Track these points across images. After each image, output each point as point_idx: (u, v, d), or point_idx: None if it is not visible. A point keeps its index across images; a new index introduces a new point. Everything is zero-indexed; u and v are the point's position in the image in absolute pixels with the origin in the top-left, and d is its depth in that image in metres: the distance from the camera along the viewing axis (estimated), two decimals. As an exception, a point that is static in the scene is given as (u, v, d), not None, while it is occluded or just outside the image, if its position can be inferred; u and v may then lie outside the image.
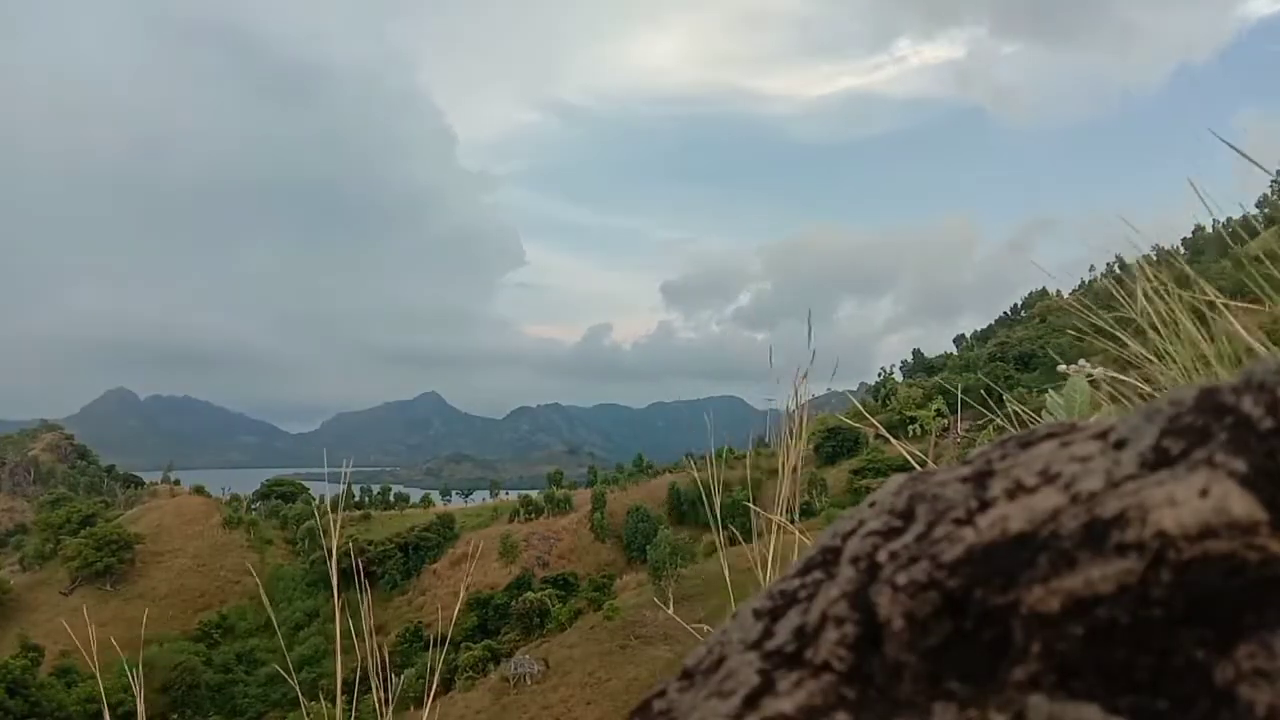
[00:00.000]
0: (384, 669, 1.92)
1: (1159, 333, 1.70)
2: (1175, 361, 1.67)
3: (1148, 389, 1.70)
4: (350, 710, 1.90)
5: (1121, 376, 1.74)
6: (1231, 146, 1.50)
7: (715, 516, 1.78)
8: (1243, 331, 1.52)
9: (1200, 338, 1.64)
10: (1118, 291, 1.88)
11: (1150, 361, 1.73)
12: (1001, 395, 2.05)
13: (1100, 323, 1.90)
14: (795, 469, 1.66)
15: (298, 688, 1.97)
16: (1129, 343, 1.80)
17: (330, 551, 1.85)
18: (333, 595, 1.86)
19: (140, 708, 1.94)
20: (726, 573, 1.84)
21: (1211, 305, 1.67)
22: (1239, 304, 1.68)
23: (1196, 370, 1.63)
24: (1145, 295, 1.72)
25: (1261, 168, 1.53)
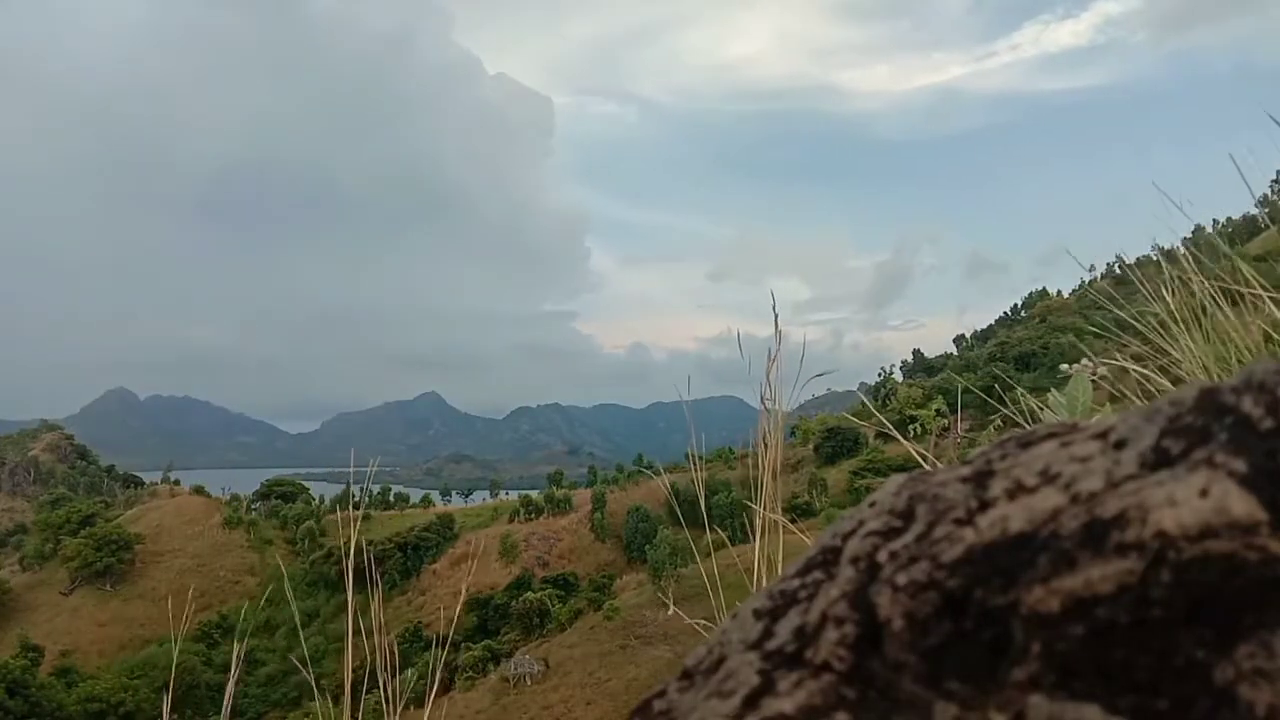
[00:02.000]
0: (392, 667, 1.92)
1: (1161, 331, 1.70)
2: (1175, 359, 1.67)
3: (1151, 386, 1.70)
4: (354, 710, 1.90)
5: (1131, 366, 1.74)
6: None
7: (706, 517, 1.78)
8: (1241, 329, 1.52)
9: (1199, 337, 1.64)
10: (1117, 291, 1.88)
11: (1151, 358, 1.73)
12: (1002, 395, 2.05)
13: (1102, 321, 1.90)
14: (775, 467, 1.65)
15: (312, 680, 1.98)
16: (1132, 341, 1.80)
17: (344, 547, 1.86)
18: (343, 592, 1.87)
19: (165, 707, 1.94)
20: (716, 571, 1.85)
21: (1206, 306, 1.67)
22: (1247, 293, 1.67)
23: (1197, 369, 1.63)
24: (1145, 294, 1.72)
25: None
